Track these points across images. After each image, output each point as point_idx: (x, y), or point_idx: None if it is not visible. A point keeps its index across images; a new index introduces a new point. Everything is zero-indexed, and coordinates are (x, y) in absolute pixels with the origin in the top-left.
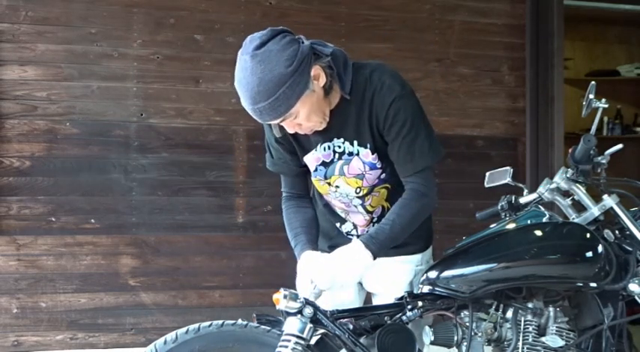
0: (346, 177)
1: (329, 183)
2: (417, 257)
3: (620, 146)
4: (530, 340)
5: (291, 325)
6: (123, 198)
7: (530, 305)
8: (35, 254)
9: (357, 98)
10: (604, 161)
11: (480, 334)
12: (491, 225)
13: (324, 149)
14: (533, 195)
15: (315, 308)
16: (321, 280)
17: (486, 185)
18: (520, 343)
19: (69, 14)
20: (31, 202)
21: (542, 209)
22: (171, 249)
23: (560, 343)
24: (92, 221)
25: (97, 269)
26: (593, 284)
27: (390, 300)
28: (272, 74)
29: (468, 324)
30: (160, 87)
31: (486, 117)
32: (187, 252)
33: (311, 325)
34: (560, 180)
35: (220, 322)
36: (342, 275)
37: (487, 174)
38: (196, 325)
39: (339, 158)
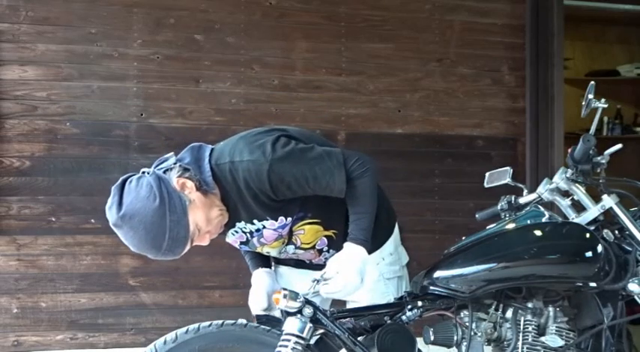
0: (267, 244)
1: (259, 251)
2: (373, 255)
3: (619, 146)
4: (529, 340)
5: (291, 325)
6: None
7: (529, 305)
8: (35, 254)
9: (232, 189)
10: (603, 161)
11: (479, 334)
12: (491, 225)
13: (234, 234)
14: (533, 195)
15: (315, 307)
16: (333, 289)
17: (486, 185)
18: (520, 343)
19: (69, 14)
20: (31, 202)
21: (542, 209)
22: None
23: (560, 343)
24: (92, 221)
25: (97, 269)
26: (593, 284)
27: (365, 304)
28: (148, 217)
29: (467, 324)
30: (160, 87)
31: (486, 117)
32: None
33: (311, 325)
34: (559, 180)
35: (220, 322)
36: (349, 278)
37: (487, 174)
38: (196, 325)
39: (252, 236)
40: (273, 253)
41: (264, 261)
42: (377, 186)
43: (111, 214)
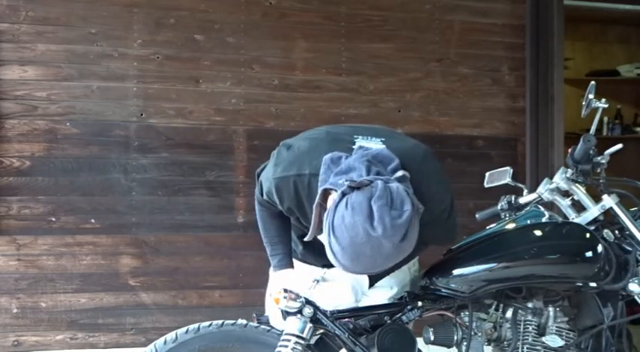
0: None
1: None
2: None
3: (619, 146)
4: (530, 340)
5: (291, 325)
6: (123, 198)
7: (530, 305)
8: (35, 254)
9: None
10: (603, 161)
11: (479, 334)
12: (491, 225)
13: None
14: (533, 195)
15: (315, 307)
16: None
17: (486, 185)
18: (520, 343)
19: (69, 14)
20: (31, 202)
21: (542, 209)
22: (171, 249)
23: (560, 343)
24: (92, 221)
25: (97, 269)
26: (593, 284)
27: (383, 300)
28: (400, 259)
29: (467, 324)
30: (160, 87)
31: (486, 117)
32: (187, 252)
33: (311, 325)
34: (559, 180)
35: (220, 322)
36: (343, 292)
37: (487, 174)
38: (196, 325)
39: None
40: None
41: (290, 252)
42: None
43: (394, 231)
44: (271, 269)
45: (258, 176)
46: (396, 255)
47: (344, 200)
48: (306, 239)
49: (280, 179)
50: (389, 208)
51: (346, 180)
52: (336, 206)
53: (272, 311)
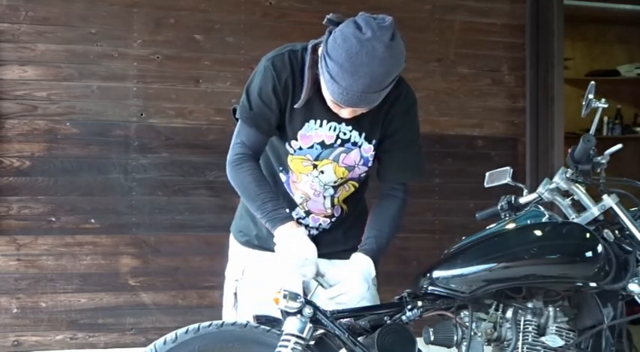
0: (338, 165)
1: (315, 166)
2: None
3: (619, 146)
4: (529, 340)
5: (291, 325)
6: (123, 198)
7: (529, 305)
8: (35, 254)
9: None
10: (603, 161)
11: (479, 334)
12: (491, 225)
13: (330, 129)
14: (533, 195)
15: (315, 307)
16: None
17: (486, 185)
18: (520, 343)
19: (69, 14)
20: (31, 202)
21: (542, 209)
22: (171, 249)
23: (560, 343)
24: (92, 221)
25: (97, 269)
26: (593, 284)
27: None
28: (395, 69)
29: (467, 324)
30: (160, 87)
31: (486, 117)
32: (187, 252)
33: (311, 325)
34: (559, 180)
35: (220, 322)
36: (356, 283)
37: (487, 174)
38: (196, 325)
39: (341, 145)
40: (308, 180)
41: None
42: None
43: (382, 31)
44: (276, 233)
45: (235, 112)
46: (389, 60)
47: (332, 34)
48: (296, 106)
49: (275, 57)
50: (373, 18)
51: (327, 17)
52: (326, 41)
53: (227, 308)
